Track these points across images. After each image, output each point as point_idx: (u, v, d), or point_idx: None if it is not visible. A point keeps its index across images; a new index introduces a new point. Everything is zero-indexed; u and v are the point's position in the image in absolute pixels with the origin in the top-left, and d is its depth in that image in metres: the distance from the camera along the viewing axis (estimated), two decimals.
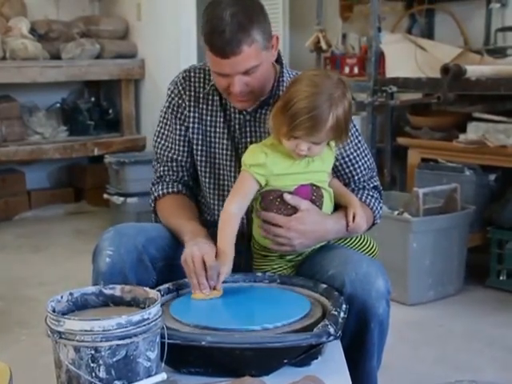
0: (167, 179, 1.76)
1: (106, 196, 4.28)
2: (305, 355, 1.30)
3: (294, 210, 1.54)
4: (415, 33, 3.88)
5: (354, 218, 1.59)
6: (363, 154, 1.73)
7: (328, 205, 1.60)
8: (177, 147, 1.75)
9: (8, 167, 4.77)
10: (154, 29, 4.72)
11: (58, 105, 4.97)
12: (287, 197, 1.53)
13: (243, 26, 1.49)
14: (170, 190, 1.74)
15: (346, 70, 3.73)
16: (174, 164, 1.76)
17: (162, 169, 1.77)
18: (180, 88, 1.73)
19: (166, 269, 1.62)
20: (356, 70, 3.70)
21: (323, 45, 3.69)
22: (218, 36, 1.49)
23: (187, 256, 1.47)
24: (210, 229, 1.69)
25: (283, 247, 1.56)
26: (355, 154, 1.71)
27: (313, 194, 1.56)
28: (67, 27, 4.71)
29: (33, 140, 4.61)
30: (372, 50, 3.32)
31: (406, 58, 3.47)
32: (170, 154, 1.76)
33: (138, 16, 4.87)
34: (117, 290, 1.31)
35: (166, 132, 1.77)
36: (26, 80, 4.45)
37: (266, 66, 1.59)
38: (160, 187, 1.75)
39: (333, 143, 1.58)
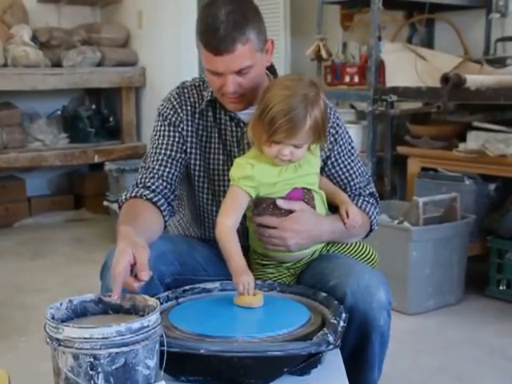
0: (139, 184, 1.64)
1: (105, 203, 4.29)
2: (304, 364, 1.29)
3: (288, 213, 1.54)
4: (415, 42, 3.89)
5: (347, 214, 1.59)
6: (356, 161, 1.74)
7: (321, 207, 1.61)
8: (166, 158, 1.66)
9: (8, 174, 4.78)
10: (154, 37, 4.74)
11: (59, 112, 4.98)
12: (280, 202, 1.54)
13: (238, 25, 1.50)
14: (129, 195, 1.61)
15: (347, 78, 3.73)
16: (156, 176, 1.64)
17: (139, 177, 1.67)
18: (175, 103, 1.71)
19: (173, 283, 1.60)
20: (356, 79, 3.70)
21: (323, 54, 3.70)
22: (213, 33, 1.50)
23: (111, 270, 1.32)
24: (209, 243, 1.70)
25: (278, 247, 1.56)
26: (349, 160, 1.71)
27: (304, 196, 1.57)
28: (68, 35, 4.72)
29: (33, 147, 4.62)
30: (372, 59, 3.32)
31: (406, 68, 3.47)
32: (157, 166, 1.66)
33: (138, 24, 4.88)
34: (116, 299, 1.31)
35: (158, 145, 1.69)
36: (27, 87, 4.47)
37: (260, 69, 1.59)
38: (125, 192, 1.64)
39: (314, 146, 1.57)
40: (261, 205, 1.55)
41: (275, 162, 1.51)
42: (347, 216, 1.59)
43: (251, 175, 1.51)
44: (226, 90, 1.56)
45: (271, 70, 1.71)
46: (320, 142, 1.55)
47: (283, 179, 1.54)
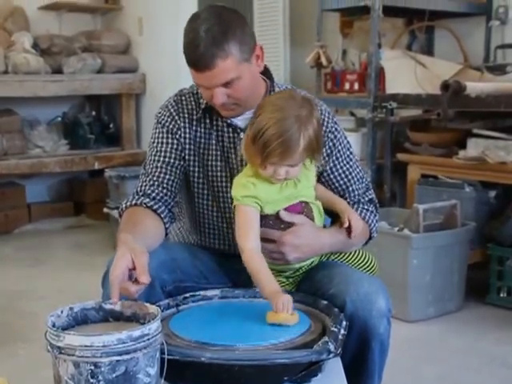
0: (139, 192, 1.65)
1: (105, 210, 4.29)
2: (305, 372, 1.29)
3: (288, 226, 1.54)
4: (415, 49, 3.90)
5: (350, 223, 1.58)
6: (355, 166, 1.73)
7: (318, 217, 1.61)
8: (165, 165, 1.67)
9: (8, 180, 4.78)
10: (155, 44, 4.75)
11: (59, 119, 4.99)
12: (283, 213, 1.54)
13: (217, 41, 1.49)
14: (129, 203, 1.62)
15: (347, 86, 3.74)
16: (156, 183, 1.64)
17: (140, 185, 1.67)
18: (172, 110, 1.70)
19: (175, 291, 1.59)
20: (356, 86, 3.70)
21: (323, 61, 3.70)
22: (193, 50, 1.50)
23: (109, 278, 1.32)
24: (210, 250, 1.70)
25: (278, 261, 1.56)
26: (348, 166, 1.71)
27: (303, 209, 1.57)
28: (69, 42, 4.74)
29: (33, 153, 4.63)
30: (372, 66, 3.33)
31: (405, 75, 3.48)
32: (157, 173, 1.66)
33: (139, 31, 4.90)
34: (117, 305, 1.30)
35: (157, 152, 1.69)
36: (28, 94, 4.48)
37: (249, 77, 1.57)
38: (125, 201, 1.65)
39: (309, 162, 1.56)
40: (261, 221, 1.54)
41: (272, 180, 1.51)
42: (350, 225, 1.58)
43: (255, 195, 1.51)
44: (215, 102, 1.57)
45: (267, 74, 1.70)
46: (314, 157, 1.54)
47: (285, 195, 1.54)
